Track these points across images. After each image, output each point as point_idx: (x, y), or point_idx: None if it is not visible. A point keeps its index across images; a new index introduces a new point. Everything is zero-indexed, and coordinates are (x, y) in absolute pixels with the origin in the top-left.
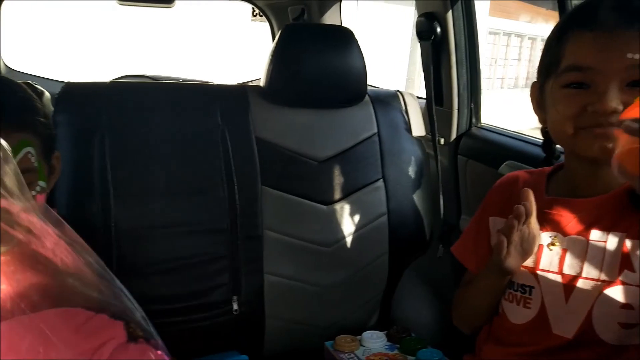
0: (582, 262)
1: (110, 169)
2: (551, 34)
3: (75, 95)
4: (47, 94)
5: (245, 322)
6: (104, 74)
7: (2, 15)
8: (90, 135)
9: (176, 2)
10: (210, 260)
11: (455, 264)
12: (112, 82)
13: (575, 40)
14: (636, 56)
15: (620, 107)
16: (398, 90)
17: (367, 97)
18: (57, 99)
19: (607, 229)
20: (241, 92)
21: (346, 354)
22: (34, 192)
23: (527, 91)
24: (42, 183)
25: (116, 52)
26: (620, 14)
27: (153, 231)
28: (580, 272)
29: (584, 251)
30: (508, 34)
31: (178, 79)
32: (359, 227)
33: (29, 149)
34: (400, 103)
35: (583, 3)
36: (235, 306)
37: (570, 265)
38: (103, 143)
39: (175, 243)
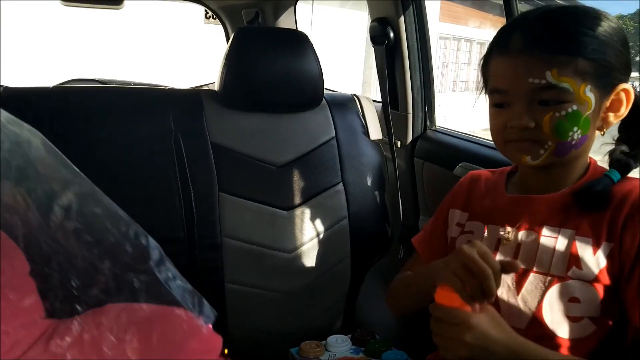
0: (534, 257)
1: None
2: (482, 56)
3: (13, 101)
4: None
5: None
6: (48, 79)
7: None
8: None
9: (125, 3)
10: None
11: None
12: (55, 87)
13: (494, 65)
14: (536, 81)
15: (532, 124)
16: (354, 94)
17: (324, 101)
18: None
19: (557, 226)
20: (195, 97)
21: None
22: None
23: (477, 94)
24: None
25: (62, 55)
26: (526, 39)
27: None
28: (532, 267)
29: (535, 246)
30: (458, 39)
31: (129, 83)
32: (320, 232)
33: None
34: (357, 107)
35: (501, 28)
36: None
37: (523, 259)
38: None
39: None
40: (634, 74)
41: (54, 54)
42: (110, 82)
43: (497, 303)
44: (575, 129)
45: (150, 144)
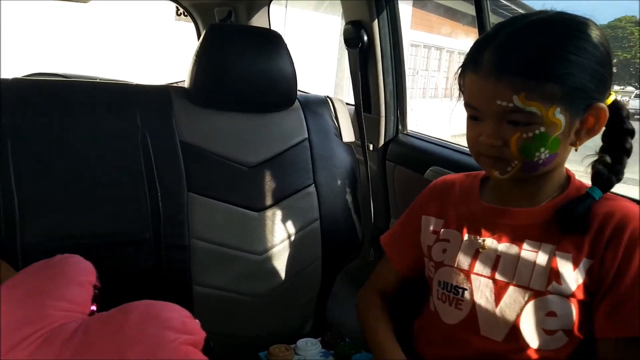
0: (514, 270)
1: (14, 176)
2: (459, 67)
3: None
4: None
5: None
6: (7, 73)
7: None
8: None
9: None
10: (132, 272)
11: None
12: (15, 79)
13: (467, 80)
14: (504, 103)
15: (499, 142)
16: (328, 96)
17: (297, 102)
18: None
19: (538, 240)
20: (163, 93)
21: None
22: None
23: (447, 101)
24: None
25: (24, 48)
26: (497, 60)
27: (65, 244)
28: (512, 280)
29: (515, 260)
30: (428, 47)
31: (95, 79)
32: (291, 234)
33: None
34: (330, 109)
35: (475, 43)
36: None
37: (502, 272)
38: (5, 147)
39: (91, 257)
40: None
41: (14, 47)
42: (74, 77)
43: (475, 314)
44: (542, 149)
45: (116, 141)
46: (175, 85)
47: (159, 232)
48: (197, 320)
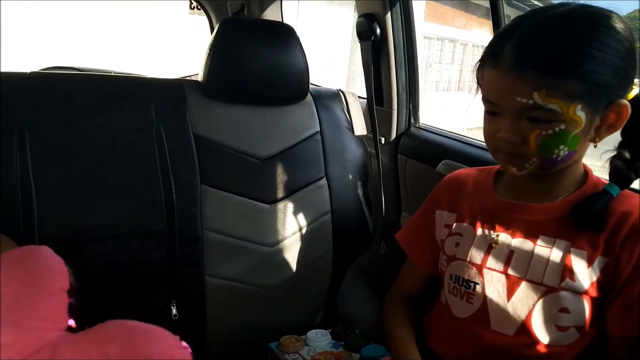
0: (527, 266)
1: (32, 169)
2: (476, 63)
3: None
4: None
5: (186, 327)
6: (24, 67)
7: None
8: (8, 131)
9: None
10: (146, 264)
11: (397, 260)
12: (32, 73)
13: (485, 75)
14: (524, 100)
15: (517, 139)
16: (340, 90)
17: (309, 96)
18: None
19: (553, 236)
20: (177, 87)
21: (291, 355)
22: None
23: (460, 94)
24: None
25: (40, 42)
26: (518, 55)
27: (82, 235)
28: (525, 275)
29: (529, 256)
30: (442, 39)
31: (109, 72)
32: (302, 226)
33: None
34: (342, 102)
35: (494, 38)
36: (174, 311)
37: (515, 267)
38: (23, 140)
39: (107, 247)
40: None
41: (30, 41)
42: (89, 71)
43: (486, 308)
44: (561, 147)
45: (131, 134)
46: (188, 78)
47: (172, 224)
48: (186, 346)
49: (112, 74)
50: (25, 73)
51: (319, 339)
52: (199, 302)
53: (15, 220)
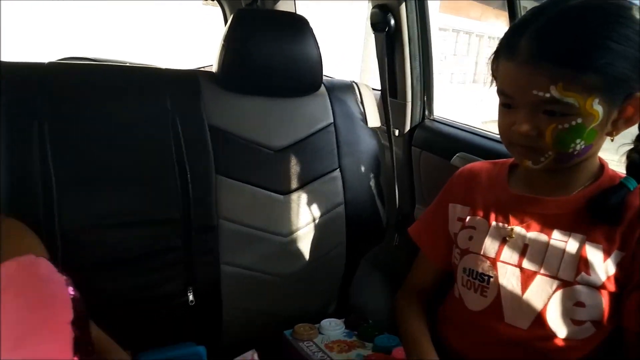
0: (542, 259)
1: (52, 158)
2: (491, 54)
3: (8, 77)
4: None
5: (202, 313)
6: (39, 56)
7: None
8: (28, 121)
9: None
10: (163, 251)
11: (410, 252)
12: (51, 63)
13: (501, 67)
14: (540, 93)
15: (533, 132)
16: (353, 81)
17: (322, 87)
18: None
19: (568, 230)
20: (192, 77)
21: (305, 342)
22: None
23: (475, 86)
24: None
25: (53, 33)
26: (535, 47)
27: (101, 222)
28: (539, 269)
29: (544, 249)
30: (457, 31)
31: (124, 63)
32: (316, 217)
33: None
34: (356, 94)
35: (510, 29)
36: (190, 297)
37: (530, 261)
38: (42, 130)
39: (125, 234)
40: None
41: (44, 31)
42: (104, 61)
43: (500, 301)
44: (578, 140)
45: (148, 123)
46: (202, 69)
47: (188, 212)
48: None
49: (127, 64)
50: (43, 63)
51: (333, 327)
52: (215, 289)
53: (36, 210)
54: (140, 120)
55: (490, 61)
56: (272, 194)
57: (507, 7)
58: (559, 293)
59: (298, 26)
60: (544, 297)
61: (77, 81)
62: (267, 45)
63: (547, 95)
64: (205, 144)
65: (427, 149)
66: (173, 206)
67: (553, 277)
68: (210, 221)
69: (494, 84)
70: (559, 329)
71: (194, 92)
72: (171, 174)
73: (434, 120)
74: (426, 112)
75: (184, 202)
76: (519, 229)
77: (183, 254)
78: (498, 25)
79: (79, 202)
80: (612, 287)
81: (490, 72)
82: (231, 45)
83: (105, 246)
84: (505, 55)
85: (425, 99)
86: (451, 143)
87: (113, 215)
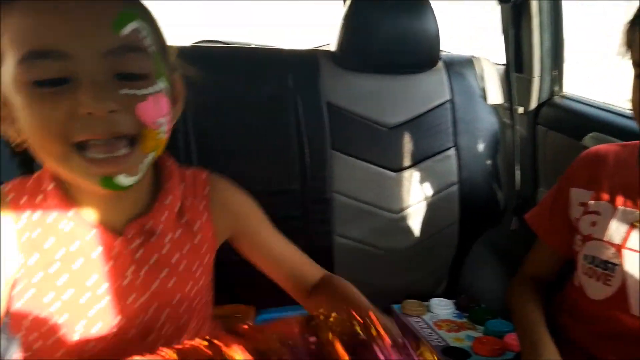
0: None
1: (194, 138)
2: (627, 22)
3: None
4: None
5: None
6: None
7: None
8: None
9: None
10: (285, 219)
11: (529, 237)
12: (193, 46)
13: (638, 36)
14: None
15: None
16: (473, 56)
17: (440, 63)
18: None
19: None
20: (311, 57)
21: (414, 318)
22: (145, 92)
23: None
24: (162, 81)
25: (182, 17)
26: None
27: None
28: None
29: None
30: None
31: (250, 45)
32: (428, 195)
33: (137, 24)
34: (475, 69)
35: None
36: None
37: None
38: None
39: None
40: None
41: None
42: (234, 44)
43: (625, 291)
44: None
45: (271, 101)
46: (320, 49)
47: (305, 184)
48: None
49: (253, 46)
50: (187, 46)
51: (443, 307)
52: (328, 257)
53: None
54: (266, 98)
55: (626, 30)
56: (384, 170)
57: None
58: None
59: (417, 2)
60: None
61: (214, 62)
62: (386, 22)
63: None
64: (322, 121)
65: (554, 128)
66: (292, 178)
67: None
68: (324, 194)
69: (629, 55)
70: None
71: (313, 71)
72: (291, 148)
73: (564, 97)
74: (555, 88)
75: (302, 175)
76: None
77: (302, 223)
78: None
79: (213, 168)
80: None
81: (626, 41)
82: (350, 23)
83: None
84: None
85: (554, 73)
86: (583, 122)
87: (240, 181)
